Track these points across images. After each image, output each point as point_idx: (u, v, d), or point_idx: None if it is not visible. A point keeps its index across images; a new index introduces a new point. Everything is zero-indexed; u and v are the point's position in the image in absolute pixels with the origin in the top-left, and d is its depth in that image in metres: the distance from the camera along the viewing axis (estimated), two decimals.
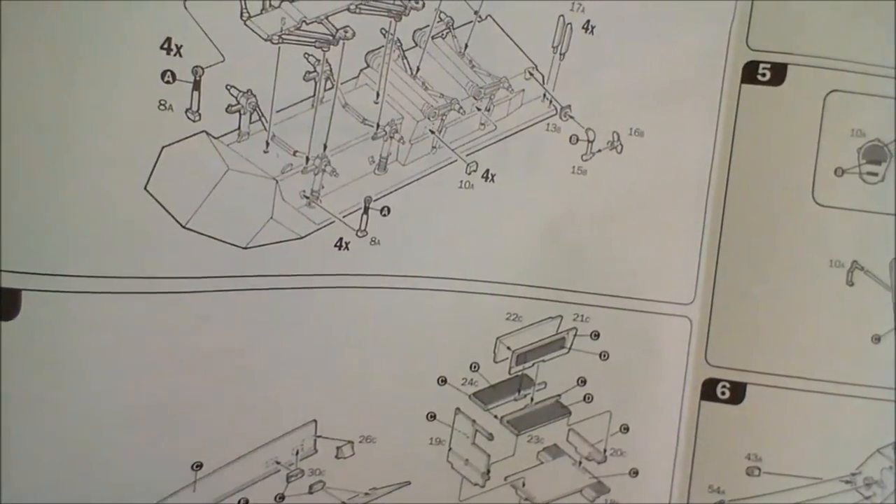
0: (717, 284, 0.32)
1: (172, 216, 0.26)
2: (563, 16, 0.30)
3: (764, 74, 0.32)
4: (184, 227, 0.26)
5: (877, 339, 0.33)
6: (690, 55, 0.31)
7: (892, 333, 0.33)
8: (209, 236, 0.26)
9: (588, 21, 0.30)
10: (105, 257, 0.25)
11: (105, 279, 0.25)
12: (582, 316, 0.31)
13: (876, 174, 0.32)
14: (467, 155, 0.30)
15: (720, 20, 0.32)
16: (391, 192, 0.29)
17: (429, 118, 0.29)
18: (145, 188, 0.26)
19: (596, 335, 0.31)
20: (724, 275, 0.32)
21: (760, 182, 0.32)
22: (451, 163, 0.30)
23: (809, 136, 0.32)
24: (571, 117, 0.31)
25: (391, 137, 0.28)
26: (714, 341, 0.32)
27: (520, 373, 0.31)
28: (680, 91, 0.31)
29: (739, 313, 0.32)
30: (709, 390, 0.32)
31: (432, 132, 0.29)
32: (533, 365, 0.31)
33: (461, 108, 0.29)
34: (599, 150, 0.31)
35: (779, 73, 0.32)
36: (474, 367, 0.30)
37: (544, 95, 0.30)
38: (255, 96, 0.26)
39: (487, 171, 0.30)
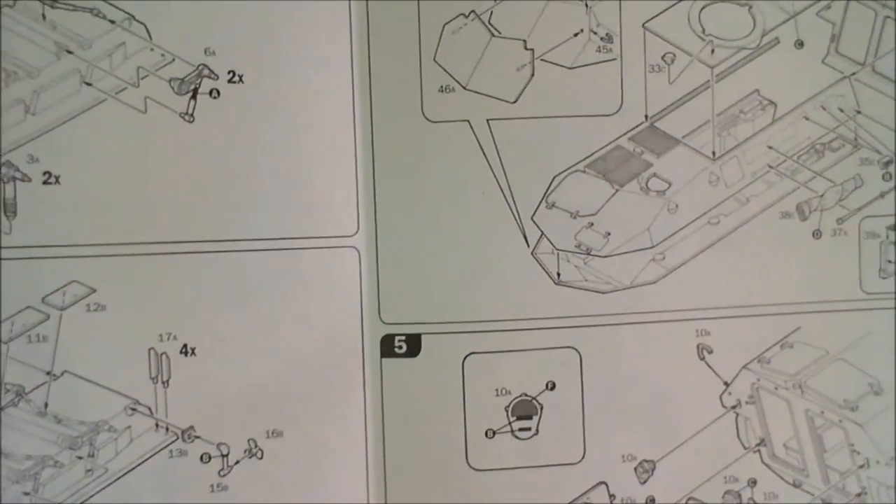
0: None
1: None
2: (153, 348, 0.29)
3: (400, 347, 0.31)
4: None
5: None
6: (322, 340, 0.30)
7: None
8: None
9: (185, 344, 0.30)
10: None
11: None
12: None
13: (528, 429, 0.32)
14: None
15: (349, 299, 0.31)
16: None
17: (19, 482, 0.28)
18: None
19: None
20: None
21: (417, 454, 0.31)
22: None
23: (455, 402, 0.31)
24: (197, 437, 0.30)
25: None
26: None
27: None
28: (315, 379, 0.30)
29: None
30: None
31: (25, 493, 0.28)
32: None
33: (57, 462, 0.29)
34: (237, 462, 0.30)
35: (414, 344, 0.31)
36: None
37: (157, 425, 0.30)
38: None
39: None
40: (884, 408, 0.32)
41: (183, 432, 0.30)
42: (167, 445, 0.30)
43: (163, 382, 0.29)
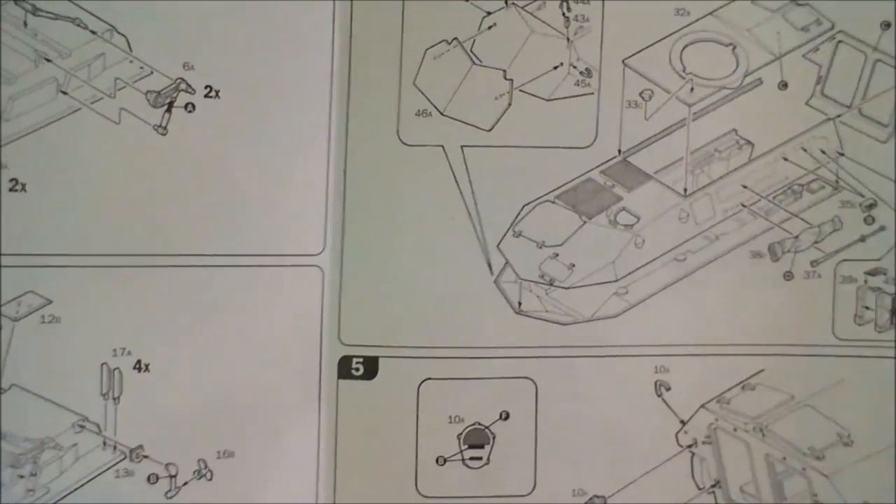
0: None
1: None
2: (105, 363, 0.29)
3: (357, 369, 0.31)
4: None
5: None
6: (281, 359, 0.30)
7: None
8: None
9: (139, 360, 0.29)
10: None
11: None
12: None
13: (480, 458, 0.31)
14: None
15: (309, 318, 0.30)
16: None
17: None
18: None
19: None
20: None
21: (367, 479, 0.31)
22: None
23: (408, 427, 0.31)
24: (146, 457, 0.29)
25: None
26: None
27: None
28: (271, 399, 0.30)
29: None
30: None
31: None
32: None
33: None
34: (186, 483, 0.29)
35: (371, 367, 0.31)
36: None
37: (104, 443, 0.29)
38: None
39: None
40: (855, 460, 0.31)
41: (131, 451, 0.29)
42: (114, 465, 0.29)
43: (114, 399, 0.29)
